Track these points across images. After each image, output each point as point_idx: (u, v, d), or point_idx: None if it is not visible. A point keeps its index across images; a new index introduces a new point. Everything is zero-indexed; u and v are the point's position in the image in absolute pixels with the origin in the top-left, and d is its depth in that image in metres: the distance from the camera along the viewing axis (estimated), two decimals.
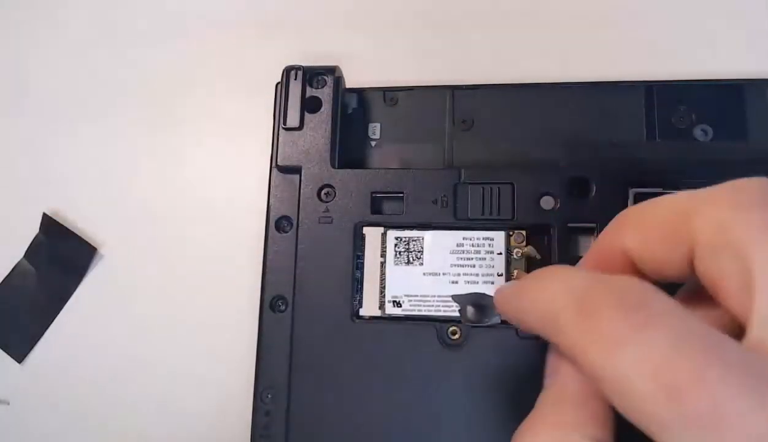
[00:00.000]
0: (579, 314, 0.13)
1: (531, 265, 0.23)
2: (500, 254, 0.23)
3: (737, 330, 0.13)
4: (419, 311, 0.23)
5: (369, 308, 0.24)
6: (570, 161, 0.25)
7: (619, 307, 0.12)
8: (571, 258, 0.23)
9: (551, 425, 0.14)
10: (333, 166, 0.25)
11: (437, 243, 0.24)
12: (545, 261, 0.23)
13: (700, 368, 0.11)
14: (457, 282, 0.23)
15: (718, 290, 0.13)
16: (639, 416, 0.12)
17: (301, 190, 0.25)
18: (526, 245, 0.23)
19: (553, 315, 0.14)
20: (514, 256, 0.23)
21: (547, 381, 0.16)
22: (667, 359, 0.11)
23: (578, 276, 0.14)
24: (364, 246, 0.24)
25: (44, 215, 0.29)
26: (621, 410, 0.12)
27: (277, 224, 0.25)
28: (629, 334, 0.12)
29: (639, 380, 0.11)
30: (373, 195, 0.24)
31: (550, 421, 0.15)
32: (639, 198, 0.22)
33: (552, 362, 0.16)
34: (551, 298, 0.14)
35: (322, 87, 0.25)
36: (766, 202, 0.13)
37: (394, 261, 0.24)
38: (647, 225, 0.15)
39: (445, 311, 0.23)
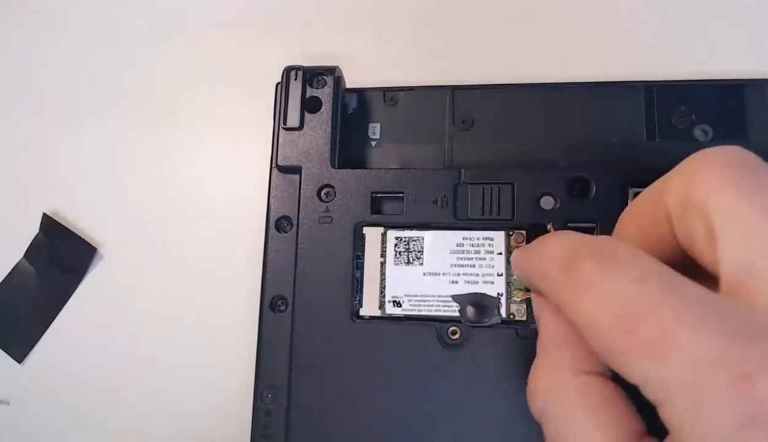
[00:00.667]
0: (564, 265, 0.15)
1: None
2: (500, 254, 0.23)
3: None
4: (419, 311, 0.23)
5: (369, 308, 0.24)
6: (570, 161, 0.25)
7: (594, 258, 0.14)
8: None
9: (546, 366, 0.16)
10: (333, 166, 0.25)
11: (437, 243, 0.24)
12: None
13: (651, 303, 0.12)
14: (457, 282, 0.23)
15: (694, 252, 0.14)
16: (603, 350, 0.13)
17: (301, 190, 0.25)
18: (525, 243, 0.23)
19: (545, 268, 0.16)
20: None
21: (538, 326, 0.17)
22: (626, 296, 0.12)
23: (572, 237, 0.16)
24: (364, 246, 0.24)
25: (44, 215, 0.29)
26: (592, 347, 0.14)
27: (277, 224, 0.25)
28: (597, 278, 0.13)
29: (602, 317, 0.13)
30: (373, 195, 0.24)
31: (545, 362, 0.16)
32: None
33: (535, 311, 0.17)
34: (547, 254, 0.16)
35: (322, 87, 0.25)
36: (722, 161, 0.14)
37: (394, 261, 0.24)
38: (637, 215, 0.17)
39: (445, 311, 0.23)
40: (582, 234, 0.16)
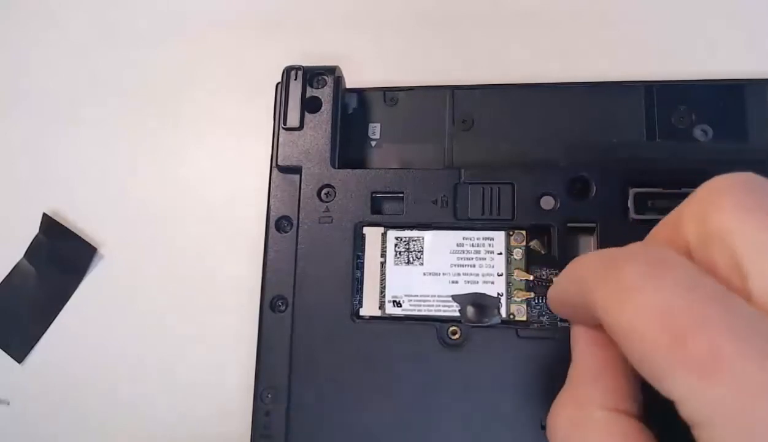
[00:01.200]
0: (603, 271, 0.14)
1: (533, 262, 0.23)
2: (500, 253, 0.23)
3: None
4: (419, 311, 0.23)
5: (369, 308, 0.24)
6: (570, 161, 0.25)
7: (637, 262, 0.13)
8: (571, 258, 0.23)
9: (572, 399, 0.15)
10: (333, 166, 0.25)
11: (437, 243, 0.24)
12: (547, 259, 0.23)
13: (702, 315, 0.11)
14: (457, 282, 0.23)
15: (719, 281, 0.13)
16: (646, 364, 0.12)
17: (301, 190, 0.25)
18: (528, 242, 0.23)
19: (583, 277, 0.15)
20: (514, 256, 0.23)
21: (572, 356, 0.16)
22: (673, 305, 0.12)
23: (609, 248, 0.15)
24: (364, 246, 0.24)
25: (44, 215, 0.29)
26: (632, 360, 0.13)
27: (277, 224, 0.25)
28: (641, 282, 0.12)
29: (646, 326, 0.12)
30: (373, 195, 0.24)
31: (572, 395, 0.15)
32: (639, 198, 0.22)
33: (573, 336, 0.16)
34: (585, 263, 0.15)
35: (322, 87, 0.25)
36: (736, 188, 0.13)
37: (394, 261, 0.24)
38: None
39: (445, 311, 0.23)
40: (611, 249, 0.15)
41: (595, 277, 0.14)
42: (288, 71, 0.25)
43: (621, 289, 0.13)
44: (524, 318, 0.23)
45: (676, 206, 0.15)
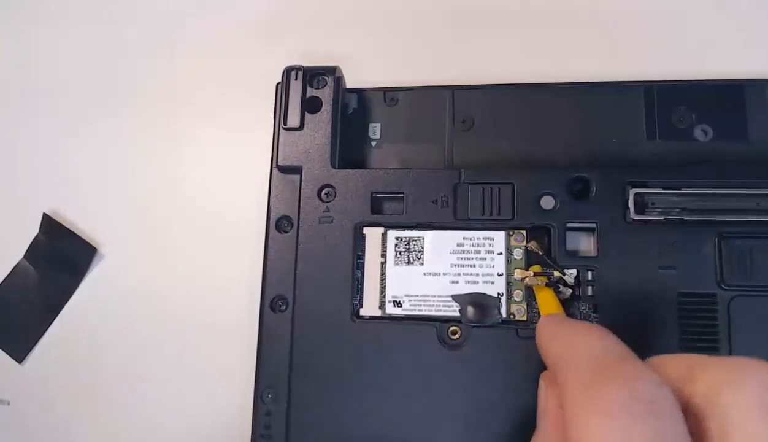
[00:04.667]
0: (593, 369, 0.14)
1: (532, 262, 0.23)
2: (500, 253, 0.23)
3: None
4: (419, 311, 0.23)
5: (369, 308, 0.24)
6: (570, 161, 0.25)
7: (628, 389, 0.13)
8: (570, 257, 0.23)
9: None
10: (333, 166, 0.25)
11: (437, 243, 0.24)
12: (546, 260, 0.23)
13: None
14: (457, 282, 0.23)
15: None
16: None
17: (302, 190, 0.25)
18: (528, 242, 0.23)
19: (570, 359, 0.15)
20: (514, 256, 0.23)
21: (538, 422, 0.17)
22: None
23: (613, 341, 0.15)
24: (364, 246, 0.24)
25: (44, 215, 0.29)
26: None
27: (277, 224, 0.25)
28: (619, 411, 0.13)
29: None
30: (373, 195, 0.24)
31: None
32: (638, 198, 0.22)
33: (540, 404, 0.17)
34: (578, 343, 0.15)
35: (323, 87, 0.25)
36: (756, 382, 0.13)
37: (395, 261, 0.24)
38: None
39: (445, 311, 0.23)
40: (621, 344, 0.15)
41: (582, 372, 0.14)
42: (288, 71, 0.25)
43: (601, 408, 0.13)
44: (524, 318, 0.23)
45: (690, 354, 0.15)
